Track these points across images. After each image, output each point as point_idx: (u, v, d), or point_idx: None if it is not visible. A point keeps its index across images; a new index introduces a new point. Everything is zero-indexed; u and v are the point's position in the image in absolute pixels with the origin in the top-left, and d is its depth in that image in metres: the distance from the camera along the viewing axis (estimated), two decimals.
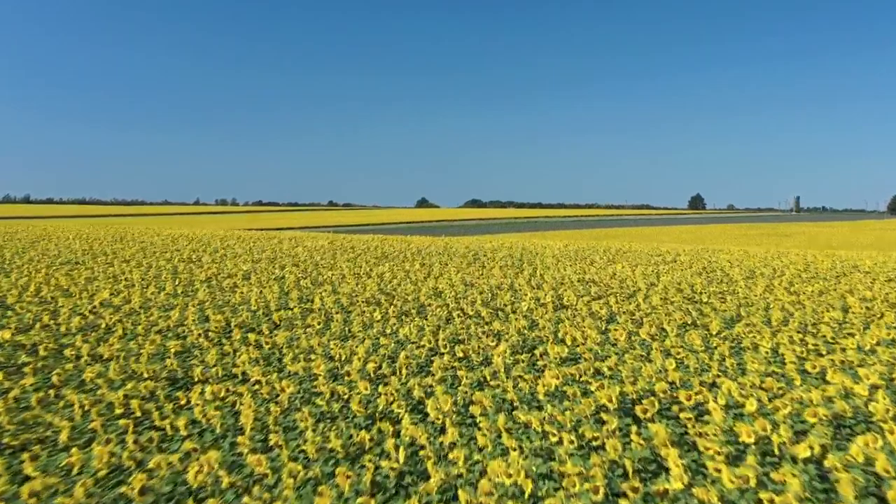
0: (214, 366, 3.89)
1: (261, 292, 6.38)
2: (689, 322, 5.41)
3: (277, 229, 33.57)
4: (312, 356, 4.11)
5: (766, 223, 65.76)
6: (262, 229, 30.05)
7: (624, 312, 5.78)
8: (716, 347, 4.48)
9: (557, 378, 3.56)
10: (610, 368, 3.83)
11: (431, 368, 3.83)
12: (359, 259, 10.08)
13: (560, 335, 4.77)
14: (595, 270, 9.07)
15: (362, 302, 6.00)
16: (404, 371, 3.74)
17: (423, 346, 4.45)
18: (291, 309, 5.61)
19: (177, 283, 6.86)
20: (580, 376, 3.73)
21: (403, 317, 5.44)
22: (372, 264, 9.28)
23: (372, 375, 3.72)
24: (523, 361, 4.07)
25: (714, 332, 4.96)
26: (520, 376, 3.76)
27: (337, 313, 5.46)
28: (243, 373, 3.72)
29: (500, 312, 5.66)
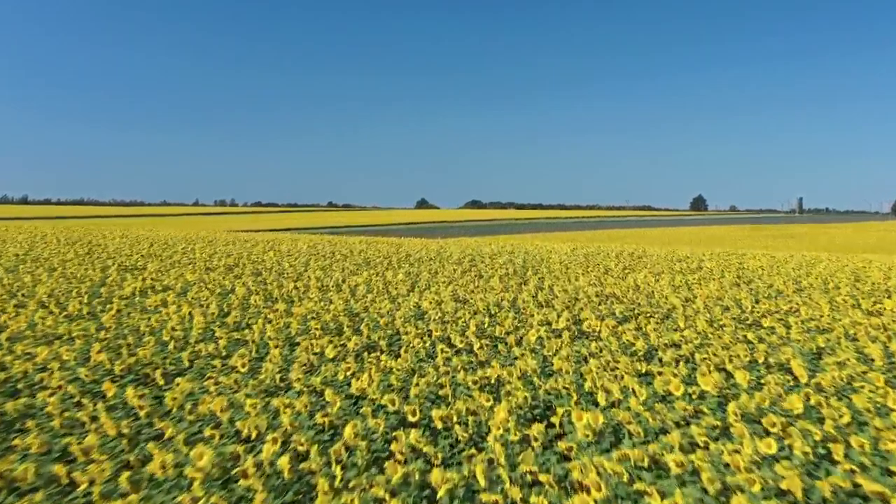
0: (43, 456, 2.41)
1: (189, 314, 4.90)
2: (759, 360, 3.93)
3: (276, 230, 32.09)
4: (207, 432, 2.64)
5: (770, 224, 64.38)
6: (260, 230, 28.58)
7: (665, 345, 4.30)
8: (819, 408, 3.00)
9: (597, 488, 2.09)
10: (679, 463, 2.35)
11: (387, 461, 2.35)
12: (334, 266, 8.59)
13: (586, 386, 3.29)
14: (613, 280, 7.58)
15: (318, 328, 4.52)
16: (339, 469, 2.26)
17: (385, 407, 2.98)
18: (217, 340, 4.13)
19: (87, 300, 5.37)
20: (631, 478, 2.26)
21: (367, 353, 3.96)
22: (347, 273, 7.79)
23: (285, 479, 2.24)
24: (536, 440, 2.60)
25: (803, 381, 3.48)
26: (531, 475, 2.29)
27: (277, 347, 3.99)
28: (70, 473, 2.24)
29: (499, 345, 4.19)
